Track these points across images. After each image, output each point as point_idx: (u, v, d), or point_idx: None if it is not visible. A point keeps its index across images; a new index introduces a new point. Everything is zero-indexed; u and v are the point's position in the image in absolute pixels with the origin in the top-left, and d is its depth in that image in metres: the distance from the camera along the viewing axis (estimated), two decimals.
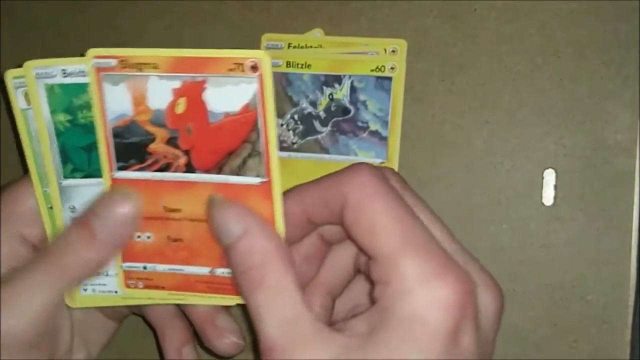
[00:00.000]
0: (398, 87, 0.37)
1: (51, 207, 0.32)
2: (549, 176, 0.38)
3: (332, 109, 0.40)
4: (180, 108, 0.30)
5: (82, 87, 0.30)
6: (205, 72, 0.29)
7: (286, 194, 0.29)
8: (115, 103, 0.31)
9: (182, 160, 0.31)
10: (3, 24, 0.43)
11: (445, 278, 0.25)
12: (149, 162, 0.31)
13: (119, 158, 0.32)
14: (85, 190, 0.31)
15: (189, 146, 0.31)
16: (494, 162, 0.38)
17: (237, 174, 0.30)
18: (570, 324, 0.38)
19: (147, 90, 0.30)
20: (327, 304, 0.31)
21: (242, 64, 0.28)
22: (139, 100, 0.30)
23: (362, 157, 0.39)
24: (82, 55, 0.30)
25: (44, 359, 0.31)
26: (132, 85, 0.30)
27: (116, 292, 0.32)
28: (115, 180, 0.31)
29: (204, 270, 0.32)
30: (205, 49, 0.30)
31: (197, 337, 0.34)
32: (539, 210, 0.38)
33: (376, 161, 0.37)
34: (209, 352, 0.34)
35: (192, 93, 0.30)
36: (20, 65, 0.30)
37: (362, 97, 0.39)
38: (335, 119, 0.40)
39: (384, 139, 0.38)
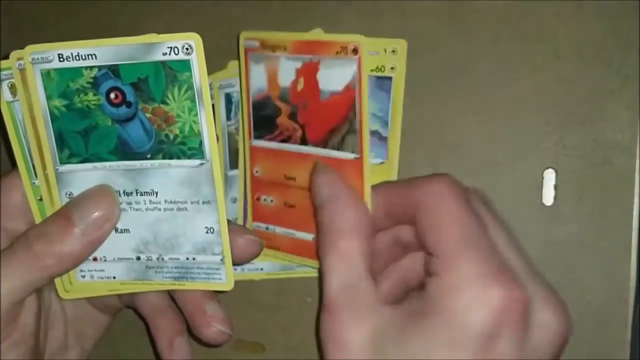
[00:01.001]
0: (398, 87, 0.37)
1: (41, 199, 0.32)
2: (549, 176, 0.38)
3: None
4: (300, 86, 0.34)
5: (78, 72, 0.30)
6: (319, 54, 0.33)
7: (374, 186, 0.31)
8: (256, 79, 0.35)
9: (299, 133, 0.34)
10: (3, 24, 0.43)
11: (496, 282, 0.26)
12: (275, 133, 0.35)
13: (255, 128, 0.35)
14: (82, 175, 0.31)
15: (304, 121, 0.34)
16: (494, 162, 0.38)
17: (338, 149, 0.33)
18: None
19: (278, 69, 0.34)
20: (397, 292, 0.32)
21: (346, 47, 0.32)
22: (272, 78, 0.34)
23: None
24: None
25: (26, 358, 0.31)
26: (268, 65, 0.34)
27: (114, 277, 0.32)
28: (253, 148, 0.36)
29: (309, 237, 0.35)
30: (319, 33, 0.35)
31: (187, 326, 0.34)
32: (539, 210, 0.38)
33: (376, 161, 0.37)
34: (198, 340, 0.34)
35: (309, 73, 0.33)
36: (7, 57, 0.30)
37: None
38: None
39: (383, 139, 0.38)
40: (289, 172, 0.35)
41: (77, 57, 0.29)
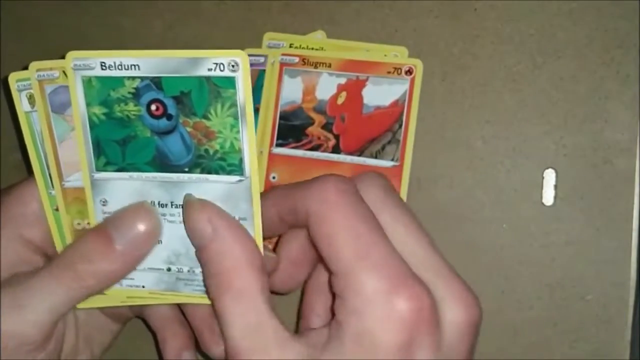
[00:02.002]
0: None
1: (57, 209, 0.32)
2: (549, 176, 0.38)
3: None
4: (341, 100, 0.37)
5: (119, 81, 0.29)
6: (369, 73, 0.37)
7: (263, 194, 0.29)
8: (288, 91, 0.38)
9: (331, 142, 0.37)
10: (3, 24, 0.43)
11: (398, 295, 0.25)
12: (304, 142, 0.38)
13: (279, 136, 0.38)
14: (118, 183, 0.30)
15: (340, 131, 0.37)
16: (494, 162, 0.38)
17: (375, 158, 0.36)
18: (570, 324, 0.38)
19: (317, 84, 0.37)
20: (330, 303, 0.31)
21: (400, 68, 0.35)
22: (309, 91, 0.37)
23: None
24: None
25: (48, 359, 0.31)
26: (307, 78, 0.38)
27: (143, 286, 0.32)
28: (271, 155, 0.38)
29: None
30: (370, 51, 0.38)
31: (195, 341, 0.34)
32: (539, 210, 0.38)
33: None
34: (205, 356, 0.34)
35: (354, 88, 0.37)
36: (25, 67, 0.30)
37: None
38: None
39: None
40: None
41: (120, 67, 0.29)
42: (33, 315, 0.29)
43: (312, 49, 0.38)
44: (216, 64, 0.28)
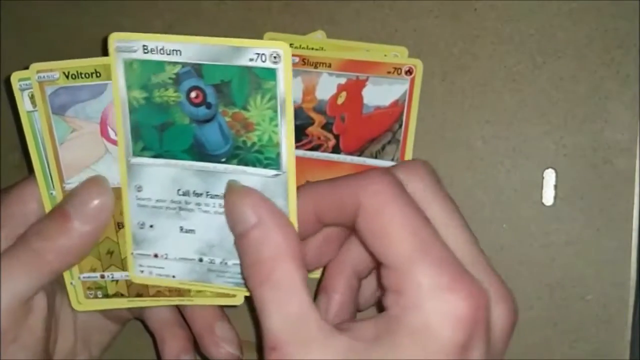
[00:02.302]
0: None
1: None
2: (549, 176, 0.38)
3: None
4: (341, 100, 0.36)
5: (160, 66, 0.29)
6: (369, 73, 0.36)
7: (299, 189, 0.29)
8: None
9: (331, 142, 0.37)
10: (3, 24, 0.43)
11: (458, 291, 0.24)
12: (304, 142, 0.37)
13: None
14: (154, 170, 0.30)
15: (340, 131, 0.37)
16: (494, 162, 0.38)
17: (375, 158, 0.36)
18: (570, 324, 0.38)
19: (317, 84, 0.37)
20: (353, 284, 0.31)
21: (400, 68, 0.35)
22: (309, 91, 0.37)
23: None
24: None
25: (34, 358, 0.31)
26: (307, 78, 0.37)
27: (174, 276, 0.32)
28: None
29: None
30: (369, 51, 0.37)
31: (195, 343, 0.34)
32: (539, 210, 0.38)
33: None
34: (202, 356, 0.34)
35: (354, 88, 0.36)
36: (27, 68, 0.30)
37: None
38: None
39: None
40: (311, 178, 0.36)
41: (162, 51, 0.29)
42: None
43: (312, 49, 0.38)
44: (258, 54, 0.28)
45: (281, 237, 0.27)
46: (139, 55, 0.29)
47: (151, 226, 0.31)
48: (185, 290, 0.32)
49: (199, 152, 0.30)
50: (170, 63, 0.29)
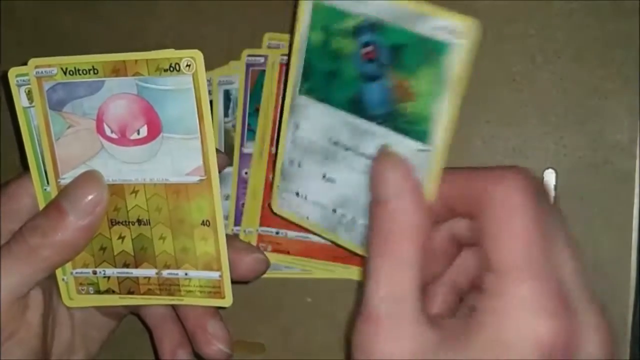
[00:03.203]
0: None
1: None
2: (549, 176, 0.38)
3: None
4: None
5: (347, 14, 0.29)
6: None
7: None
8: None
9: None
10: (3, 24, 0.43)
11: (550, 315, 0.24)
12: None
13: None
14: (314, 112, 0.31)
15: None
16: (494, 162, 0.38)
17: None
18: None
19: None
20: (450, 300, 0.31)
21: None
22: None
23: None
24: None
25: (32, 358, 0.31)
26: None
27: (307, 217, 0.33)
28: (272, 154, 0.36)
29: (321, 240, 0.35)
30: None
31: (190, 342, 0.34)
32: None
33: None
34: (198, 357, 0.34)
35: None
36: (25, 63, 0.30)
37: None
38: None
39: None
40: None
41: (354, 5, 0.29)
42: None
43: None
44: (442, 26, 0.27)
45: (417, 218, 0.27)
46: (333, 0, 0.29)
47: (299, 165, 0.32)
48: (175, 289, 0.32)
49: (358, 107, 0.30)
50: (355, 14, 0.29)
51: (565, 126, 0.38)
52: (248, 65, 0.40)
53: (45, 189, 0.32)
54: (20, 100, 0.31)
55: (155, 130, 0.30)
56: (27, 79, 0.31)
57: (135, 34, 0.42)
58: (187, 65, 0.30)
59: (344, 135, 0.30)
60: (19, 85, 0.31)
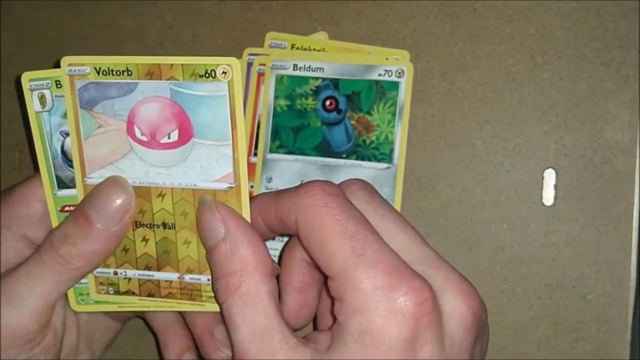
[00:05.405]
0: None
1: (60, 210, 0.32)
2: (549, 176, 0.38)
3: None
4: None
5: (305, 80, 0.37)
6: None
7: (251, 199, 0.29)
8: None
9: None
10: (3, 24, 0.43)
11: (397, 288, 0.24)
12: None
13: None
14: (284, 164, 0.37)
15: None
16: (494, 162, 0.38)
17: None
18: (570, 324, 0.38)
19: None
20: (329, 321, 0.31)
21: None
22: None
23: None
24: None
25: (48, 358, 0.31)
26: None
27: None
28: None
29: None
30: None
31: (196, 346, 0.34)
32: (539, 210, 0.38)
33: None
34: (202, 359, 0.34)
35: None
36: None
37: None
38: None
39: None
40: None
41: (308, 69, 0.36)
42: (25, 304, 0.29)
43: (314, 49, 0.38)
44: (386, 70, 0.36)
45: (249, 250, 0.27)
46: (289, 72, 0.37)
47: None
48: (196, 294, 0.32)
49: (324, 149, 0.37)
50: (313, 78, 0.37)
51: (565, 126, 0.38)
52: (249, 64, 0.40)
53: (55, 194, 0.31)
54: (33, 104, 0.31)
55: (186, 135, 0.30)
56: (39, 84, 0.31)
57: (135, 34, 0.42)
58: (223, 72, 0.29)
59: (314, 176, 0.36)
60: (32, 90, 0.31)
